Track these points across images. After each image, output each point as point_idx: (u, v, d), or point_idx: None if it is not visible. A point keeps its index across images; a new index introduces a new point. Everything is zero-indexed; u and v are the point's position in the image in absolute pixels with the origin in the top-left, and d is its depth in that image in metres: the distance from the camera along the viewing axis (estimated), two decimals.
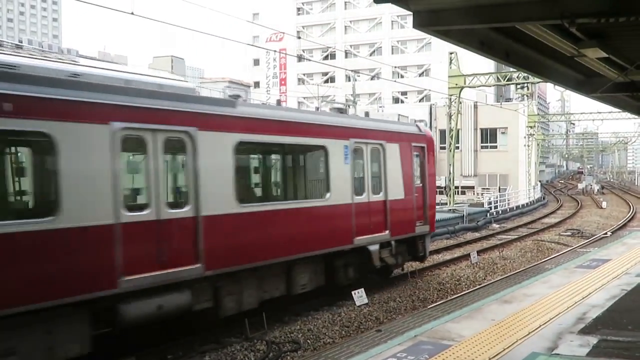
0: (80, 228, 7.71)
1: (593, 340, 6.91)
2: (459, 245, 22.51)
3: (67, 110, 7.69)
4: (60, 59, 9.74)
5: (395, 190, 13.87)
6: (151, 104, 8.68)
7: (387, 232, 13.45)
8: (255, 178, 11.74)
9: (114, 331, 8.34)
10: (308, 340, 10.19)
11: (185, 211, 9.04)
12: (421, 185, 15.12)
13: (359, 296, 12.43)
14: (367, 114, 15.64)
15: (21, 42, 30.17)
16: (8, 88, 7.14)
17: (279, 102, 15.34)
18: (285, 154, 11.78)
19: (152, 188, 8.64)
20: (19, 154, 8.31)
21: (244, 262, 10.04)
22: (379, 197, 13.38)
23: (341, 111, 14.02)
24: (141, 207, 8.59)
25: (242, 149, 10.21)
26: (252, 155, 11.48)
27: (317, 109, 16.75)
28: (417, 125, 15.98)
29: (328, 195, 12.00)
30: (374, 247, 13.17)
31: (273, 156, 11.94)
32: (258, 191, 11.68)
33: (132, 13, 14.90)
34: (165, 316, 8.85)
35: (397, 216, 13.80)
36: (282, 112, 11.77)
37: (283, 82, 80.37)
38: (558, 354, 6.42)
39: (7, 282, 7.03)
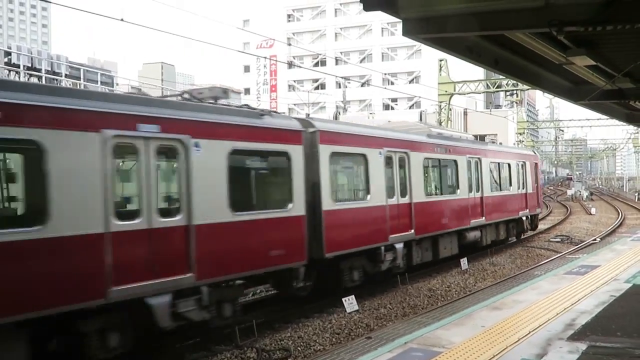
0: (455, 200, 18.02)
1: (582, 346, 6.92)
2: None
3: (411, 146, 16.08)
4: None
5: (529, 187, 24.76)
6: (454, 144, 18.57)
7: (527, 210, 24.40)
8: (485, 178, 20.70)
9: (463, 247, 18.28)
10: (298, 348, 10.16)
11: (474, 195, 19.35)
12: (536, 185, 26.15)
13: (350, 303, 12.42)
14: (501, 144, 30.97)
15: (10, 49, 30.03)
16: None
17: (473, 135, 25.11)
18: (498, 166, 21.91)
19: (441, 181, 18.03)
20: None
21: (494, 219, 20.88)
22: (523, 191, 24.07)
23: (493, 141, 29.17)
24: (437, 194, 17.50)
25: (471, 163, 19.53)
26: (484, 167, 20.41)
27: (500, 143, 32.81)
28: (533, 151, 29.89)
29: (511, 188, 22.82)
30: (524, 218, 24.40)
31: (491, 167, 21.18)
32: (492, 184, 21.08)
33: (122, 19, 14.88)
34: (473, 242, 19.05)
35: (530, 201, 24.75)
36: (490, 146, 23.22)
37: (273, 89, 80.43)
38: None
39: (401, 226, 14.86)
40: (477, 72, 47.09)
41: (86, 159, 7.86)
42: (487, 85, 36.74)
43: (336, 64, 74.28)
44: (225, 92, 10.83)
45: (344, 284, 13.04)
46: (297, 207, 11.25)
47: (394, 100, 78.17)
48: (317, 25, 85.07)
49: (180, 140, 9.11)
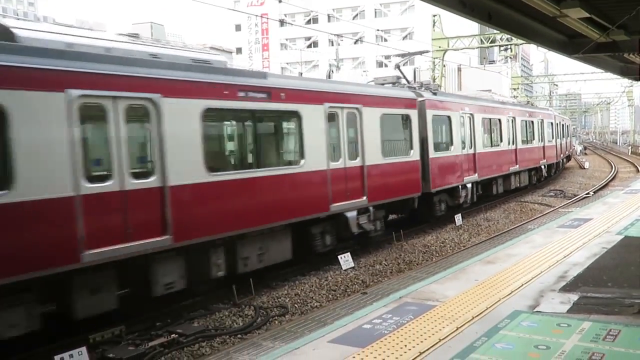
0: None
1: (574, 297, 7.05)
2: None
3: None
4: None
5: (569, 138, 41.85)
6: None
7: (569, 151, 41.46)
8: (557, 132, 34.46)
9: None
10: (295, 305, 10.32)
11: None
12: (563, 138, 36.62)
13: (345, 260, 12.56)
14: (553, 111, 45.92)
15: None
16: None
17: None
18: (561, 125, 36.13)
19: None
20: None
21: (563, 156, 37.02)
22: (567, 139, 40.92)
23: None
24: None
25: (559, 124, 35.88)
26: (560, 126, 36.05)
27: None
28: (562, 116, 41.07)
29: (566, 139, 40.20)
30: (554, 163, 33.16)
31: (561, 125, 36.60)
32: (561, 136, 35.84)
33: None
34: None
35: (569, 146, 42.14)
36: (558, 115, 38.26)
37: (265, 48, 79.44)
38: (539, 312, 6.55)
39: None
40: (471, 27, 46.53)
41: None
42: (481, 40, 36.41)
43: (329, 21, 73.21)
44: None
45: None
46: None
47: (388, 57, 77.38)
48: None
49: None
